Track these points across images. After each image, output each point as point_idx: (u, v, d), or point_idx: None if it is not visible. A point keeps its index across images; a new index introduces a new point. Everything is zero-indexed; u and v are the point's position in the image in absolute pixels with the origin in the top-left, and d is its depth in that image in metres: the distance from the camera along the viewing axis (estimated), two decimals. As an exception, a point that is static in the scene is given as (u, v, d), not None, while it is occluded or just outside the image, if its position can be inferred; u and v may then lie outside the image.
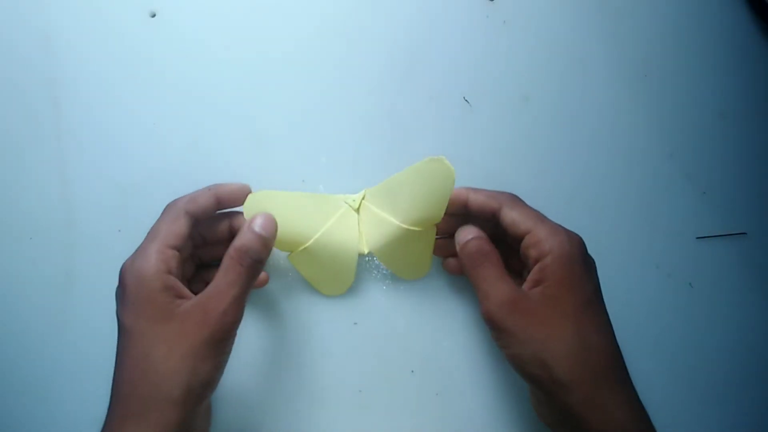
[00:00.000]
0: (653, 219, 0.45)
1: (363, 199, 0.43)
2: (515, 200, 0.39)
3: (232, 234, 0.40)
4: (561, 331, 0.34)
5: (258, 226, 0.36)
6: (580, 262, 0.36)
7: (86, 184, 0.45)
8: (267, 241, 0.36)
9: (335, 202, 0.42)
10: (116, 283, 0.44)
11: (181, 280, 0.36)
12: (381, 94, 0.46)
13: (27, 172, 0.45)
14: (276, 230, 0.37)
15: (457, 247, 0.39)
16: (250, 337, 0.44)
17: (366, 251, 0.42)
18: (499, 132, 0.45)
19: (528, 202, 0.39)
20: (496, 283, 0.36)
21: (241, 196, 0.39)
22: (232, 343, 0.36)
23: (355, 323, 0.44)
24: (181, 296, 0.35)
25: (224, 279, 0.35)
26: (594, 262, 0.37)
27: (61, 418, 0.44)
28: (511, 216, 0.37)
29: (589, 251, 0.42)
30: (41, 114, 0.45)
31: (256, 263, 0.35)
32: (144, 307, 0.34)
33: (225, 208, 0.40)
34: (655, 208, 0.45)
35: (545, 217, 0.37)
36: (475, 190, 0.39)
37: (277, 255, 0.44)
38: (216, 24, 0.46)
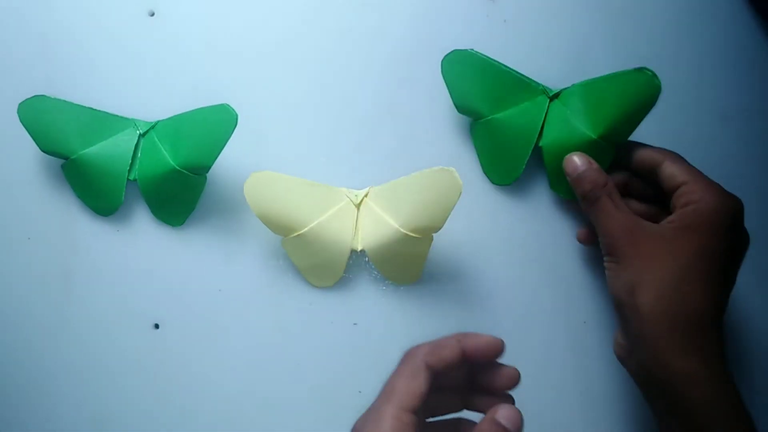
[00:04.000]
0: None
1: (366, 196, 0.43)
2: (678, 157, 0.38)
3: (469, 384, 0.35)
4: (663, 272, 0.34)
5: (503, 417, 0.31)
6: (724, 223, 0.35)
7: (85, 184, 0.45)
8: None
9: (337, 194, 0.42)
10: (115, 282, 0.44)
11: None
12: (381, 94, 0.46)
13: (25, 171, 0.45)
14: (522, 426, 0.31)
15: (569, 178, 0.39)
16: (249, 337, 0.44)
17: (360, 248, 0.42)
18: (499, 132, 0.45)
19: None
20: (615, 214, 0.37)
21: (492, 351, 0.33)
22: None
23: (355, 323, 0.44)
24: None
25: None
26: (747, 239, 0.37)
27: (61, 417, 0.44)
28: (671, 169, 0.37)
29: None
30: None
31: None
32: None
33: (469, 362, 0.34)
34: (656, 208, 0.45)
35: (706, 177, 0.37)
36: (641, 144, 0.40)
37: (272, 238, 0.44)
38: (215, 22, 0.46)
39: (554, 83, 0.42)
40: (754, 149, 0.45)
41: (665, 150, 0.39)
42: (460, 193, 0.37)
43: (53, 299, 0.44)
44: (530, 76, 0.42)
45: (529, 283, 0.45)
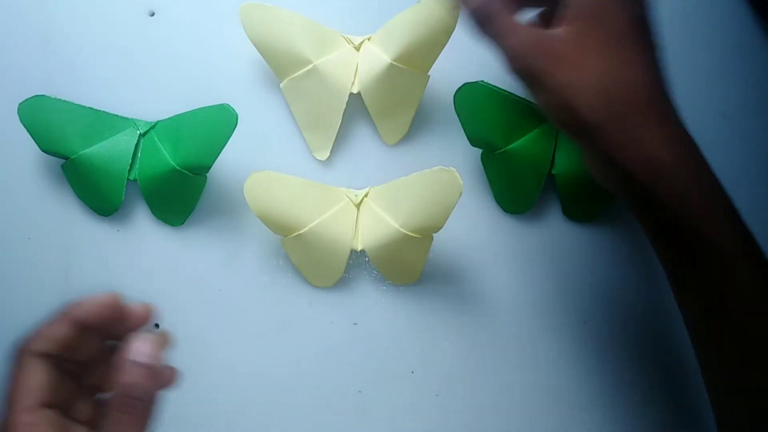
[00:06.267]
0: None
1: (366, 196, 0.42)
2: None
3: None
4: (585, 70, 0.31)
5: (140, 354, 0.26)
6: None
7: (85, 184, 0.45)
8: (157, 373, 0.27)
9: (337, 194, 0.42)
10: (115, 282, 0.44)
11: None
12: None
13: (25, 171, 0.45)
14: (168, 347, 0.28)
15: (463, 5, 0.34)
16: (249, 337, 0.44)
17: (360, 248, 0.42)
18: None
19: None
20: (515, 31, 0.32)
21: (111, 310, 0.29)
22: None
23: (355, 323, 0.44)
24: None
25: None
26: None
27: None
28: None
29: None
30: (40, 113, 0.45)
31: (148, 406, 0.26)
32: None
33: (93, 330, 0.29)
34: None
35: None
36: None
37: (272, 238, 0.44)
38: (215, 22, 0.46)
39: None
40: (754, 147, 0.45)
41: None
42: (461, 193, 0.37)
43: (53, 299, 0.44)
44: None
45: (529, 283, 0.45)
